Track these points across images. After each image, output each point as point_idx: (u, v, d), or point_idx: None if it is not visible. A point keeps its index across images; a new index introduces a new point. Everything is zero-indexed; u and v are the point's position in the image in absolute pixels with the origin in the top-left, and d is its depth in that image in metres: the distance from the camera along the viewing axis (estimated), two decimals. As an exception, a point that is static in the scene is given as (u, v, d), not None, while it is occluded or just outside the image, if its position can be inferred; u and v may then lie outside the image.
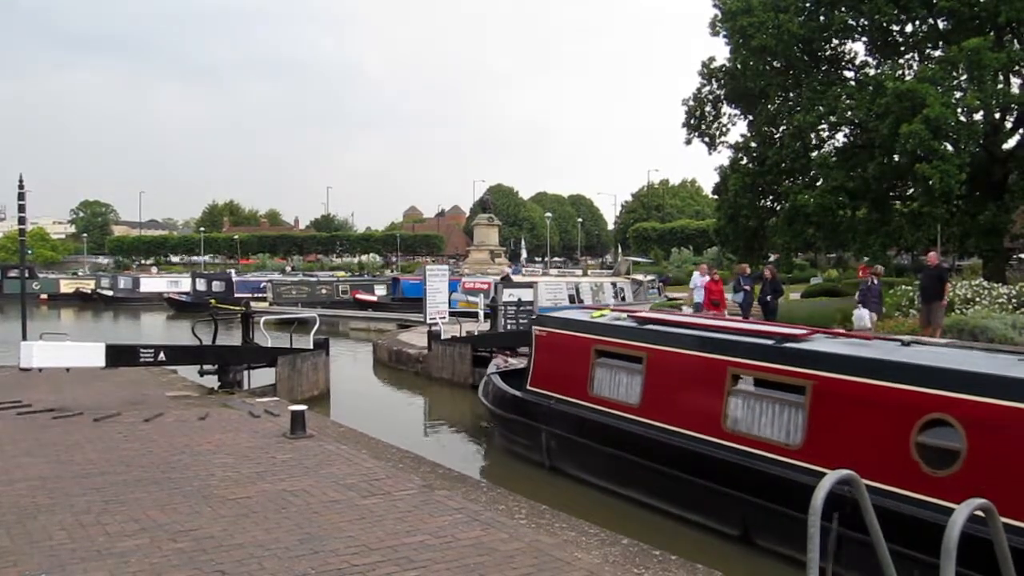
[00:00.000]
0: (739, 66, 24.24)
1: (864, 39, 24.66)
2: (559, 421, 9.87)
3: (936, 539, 5.27)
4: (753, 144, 25.51)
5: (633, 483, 8.70)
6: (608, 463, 9.03)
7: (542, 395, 10.41)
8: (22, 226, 18.58)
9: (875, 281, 17.19)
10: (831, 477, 3.37)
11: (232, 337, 17.00)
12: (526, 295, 20.46)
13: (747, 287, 18.70)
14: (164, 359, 12.80)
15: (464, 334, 18.62)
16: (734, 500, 7.35)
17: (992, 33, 20.73)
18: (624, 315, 10.37)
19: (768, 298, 18.00)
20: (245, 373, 14.03)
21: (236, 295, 39.38)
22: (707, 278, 18.22)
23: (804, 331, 8.26)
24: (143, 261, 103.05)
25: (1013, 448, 5.62)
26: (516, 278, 36.24)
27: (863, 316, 16.10)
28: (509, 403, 11.03)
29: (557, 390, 10.19)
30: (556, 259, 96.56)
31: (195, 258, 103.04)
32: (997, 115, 21.63)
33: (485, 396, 12.03)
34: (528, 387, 10.80)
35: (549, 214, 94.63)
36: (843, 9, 22.74)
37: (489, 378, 12.27)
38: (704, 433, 7.88)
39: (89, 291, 55.18)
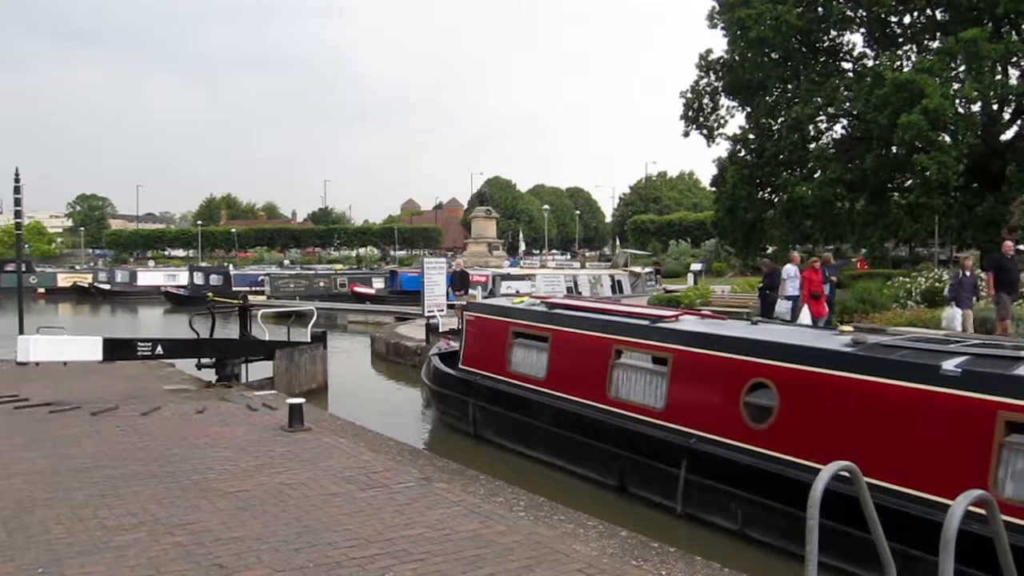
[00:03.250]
0: (737, 58, 24.23)
1: (862, 30, 24.64)
2: (482, 395, 11.08)
3: (755, 480, 6.87)
4: (751, 136, 25.51)
5: (539, 445, 9.86)
6: (520, 429, 10.23)
7: (471, 372, 11.65)
8: (18, 220, 18.53)
9: (967, 273, 14.96)
10: (829, 469, 3.37)
11: (230, 330, 16.94)
12: (524, 287, 20.45)
13: (833, 278, 17.14)
14: (161, 352, 12.76)
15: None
16: (613, 456, 8.59)
17: (990, 24, 20.71)
18: (538, 301, 11.77)
19: (767, 292, 17.65)
20: (243, 366, 13.98)
21: (234, 288, 39.34)
22: (798, 267, 16.56)
23: (675, 313, 9.88)
24: (143, 255, 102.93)
25: (813, 403, 6.82)
26: (514, 271, 36.25)
27: (954, 316, 14.25)
28: (444, 380, 12.18)
29: (483, 368, 11.44)
30: (554, 251, 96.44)
31: (185, 252, 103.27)
32: (995, 106, 21.64)
33: (426, 375, 13.12)
34: (460, 366, 12.03)
35: (547, 207, 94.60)
36: (841, 0, 22.70)
37: (430, 359, 13.31)
38: (593, 400, 9.13)
39: (86, 285, 55.09)
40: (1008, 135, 22.47)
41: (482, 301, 13.59)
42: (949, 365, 6.01)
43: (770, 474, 6.85)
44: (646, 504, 8.05)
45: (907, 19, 23.96)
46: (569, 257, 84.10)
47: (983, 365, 6.00)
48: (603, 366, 9.08)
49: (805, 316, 14.89)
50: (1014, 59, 20.82)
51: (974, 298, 15.01)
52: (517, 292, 19.90)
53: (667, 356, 8.32)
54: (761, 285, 18.42)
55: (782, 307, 16.09)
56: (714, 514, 7.38)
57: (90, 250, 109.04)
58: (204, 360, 13.68)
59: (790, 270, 16.55)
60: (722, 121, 26.98)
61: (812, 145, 23.86)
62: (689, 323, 8.97)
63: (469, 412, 11.30)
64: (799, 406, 6.92)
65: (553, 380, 9.91)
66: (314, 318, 15.98)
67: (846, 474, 3.50)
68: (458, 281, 19.15)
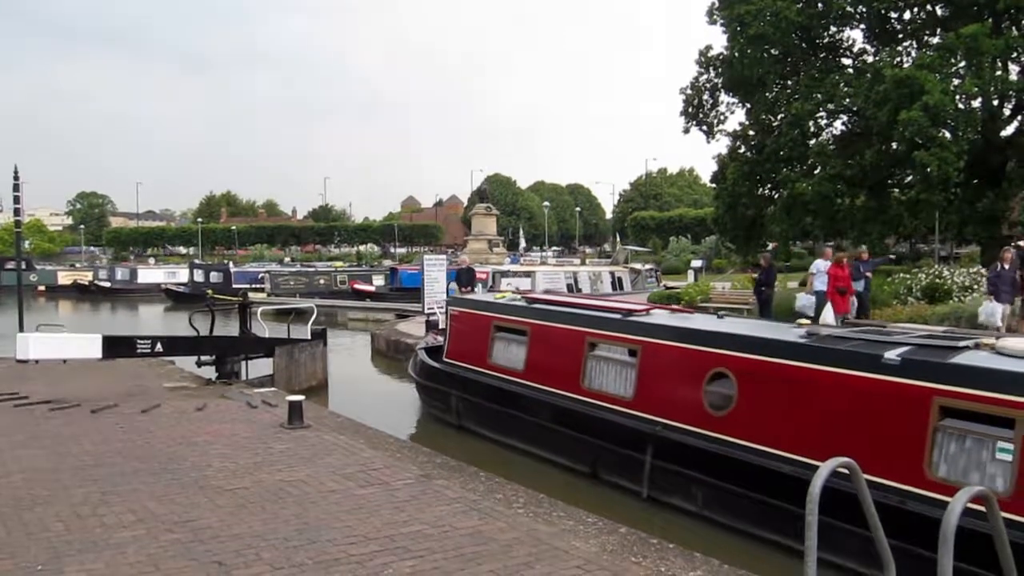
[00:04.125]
0: (737, 54, 24.14)
1: (862, 26, 24.56)
2: (465, 386, 11.47)
3: (714, 465, 7.39)
4: (751, 132, 25.46)
5: (517, 435, 10.23)
6: (500, 419, 10.60)
7: (454, 365, 12.05)
8: (18, 218, 18.53)
9: (1005, 266, 14.26)
10: (827, 466, 3.36)
11: (230, 328, 16.96)
12: (524, 284, 20.43)
13: (868, 273, 16.77)
14: (161, 350, 12.76)
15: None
16: (586, 444, 8.94)
17: (990, 20, 20.65)
18: (519, 296, 12.19)
19: (763, 288, 17.34)
20: (243, 364, 13.98)
21: (234, 286, 39.32)
22: (829, 263, 16.03)
23: (646, 306, 10.20)
24: (143, 253, 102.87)
25: (769, 391, 7.22)
26: (514, 268, 36.22)
27: (994, 311, 13.60)
28: (429, 373, 12.59)
29: (465, 360, 11.83)
30: (555, 248, 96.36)
31: (185, 249, 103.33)
32: (995, 102, 21.57)
33: (412, 369, 13.52)
34: (444, 359, 12.43)
35: (547, 203, 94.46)
36: (841, -4, 22.66)
37: (416, 353, 13.71)
38: (568, 391, 9.51)
39: (87, 283, 55.04)
40: (1008, 131, 22.41)
41: (465, 296, 14.12)
42: (891, 354, 6.35)
43: (728, 459, 7.29)
44: (615, 489, 8.46)
45: (907, 15, 23.91)
46: (554, 253, 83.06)
47: (922, 354, 6.33)
48: (578, 358, 9.47)
49: (828, 313, 14.62)
50: (1014, 55, 20.73)
51: (1013, 292, 14.35)
52: (516, 289, 19.88)
53: (636, 348, 8.74)
54: (757, 280, 18.14)
55: (804, 302, 15.74)
56: (677, 497, 7.82)
57: (86, 248, 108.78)
58: (204, 357, 13.68)
59: (820, 265, 16.20)
60: (722, 117, 26.90)
61: (812, 141, 23.79)
62: (658, 317, 9.43)
63: (452, 404, 11.70)
64: (756, 394, 7.31)
65: (531, 372, 10.31)
66: (314, 315, 15.98)
67: (844, 471, 3.49)
68: (464, 278, 19.09)
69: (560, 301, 11.30)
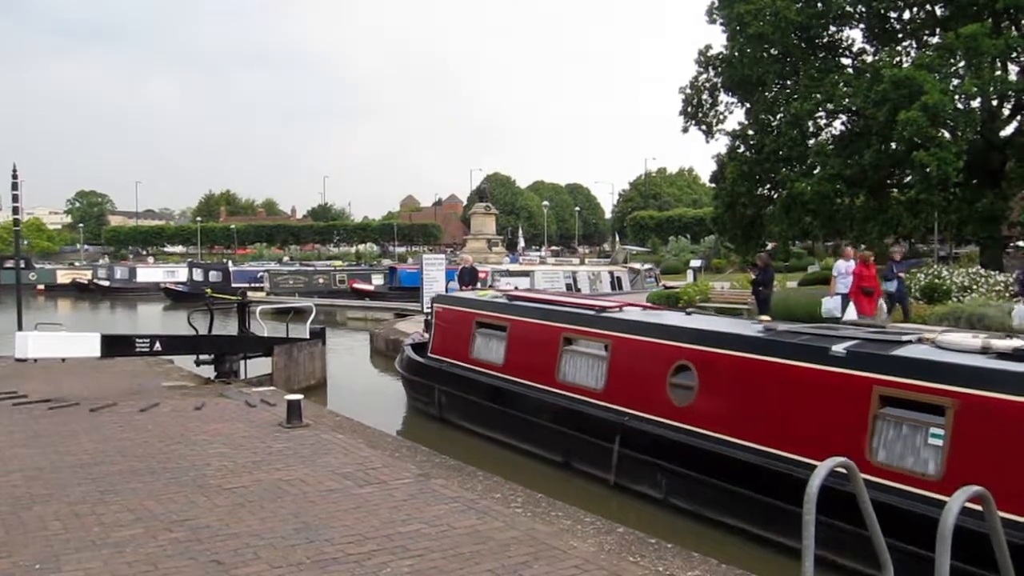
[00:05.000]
0: (736, 54, 24.16)
1: (862, 26, 24.58)
2: (447, 380, 11.88)
3: (677, 453, 7.74)
4: (750, 132, 25.44)
5: (496, 426, 10.62)
6: (479, 412, 11.02)
7: (438, 360, 12.45)
8: (17, 216, 18.50)
9: None
10: (825, 465, 3.35)
11: (228, 327, 16.97)
12: (523, 284, 20.41)
13: (901, 273, 16.09)
14: (160, 349, 12.76)
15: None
16: (560, 435, 9.32)
17: (990, 20, 20.67)
18: (501, 294, 12.65)
19: (760, 288, 16.95)
20: (241, 363, 13.97)
21: (233, 285, 39.30)
22: (852, 263, 15.41)
23: (619, 304, 10.57)
24: (141, 251, 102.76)
25: (727, 382, 7.60)
26: (513, 267, 36.20)
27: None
28: (414, 368, 13.01)
29: (449, 355, 12.21)
30: (553, 248, 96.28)
31: (184, 248, 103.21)
32: (994, 102, 21.59)
33: (399, 364, 13.94)
34: (429, 354, 12.82)
35: (546, 203, 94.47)
36: (841, -4, 22.67)
37: (403, 348, 14.11)
38: (544, 384, 9.86)
39: (86, 281, 55.01)
40: (1008, 131, 22.41)
41: (449, 294, 14.56)
42: (838, 347, 6.72)
43: (689, 447, 7.64)
44: (585, 477, 8.85)
45: (907, 15, 23.92)
46: (551, 253, 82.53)
47: (867, 347, 6.70)
48: (553, 352, 9.87)
49: (851, 314, 14.27)
50: (1014, 55, 20.74)
51: None
52: (515, 288, 19.87)
53: (607, 342, 9.12)
54: (754, 280, 17.86)
55: (830, 305, 15.17)
56: (642, 484, 8.16)
57: (85, 247, 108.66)
58: (203, 356, 13.68)
59: (841, 266, 15.75)
60: (721, 117, 26.89)
61: (811, 141, 23.78)
62: (629, 313, 9.77)
63: (435, 397, 12.13)
64: (715, 385, 7.71)
65: (510, 366, 10.69)
66: (313, 314, 15.97)
67: (843, 471, 3.51)
68: (467, 276, 19.06)
69: (538, 298, 11.73)
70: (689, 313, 10.06)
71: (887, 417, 6.18)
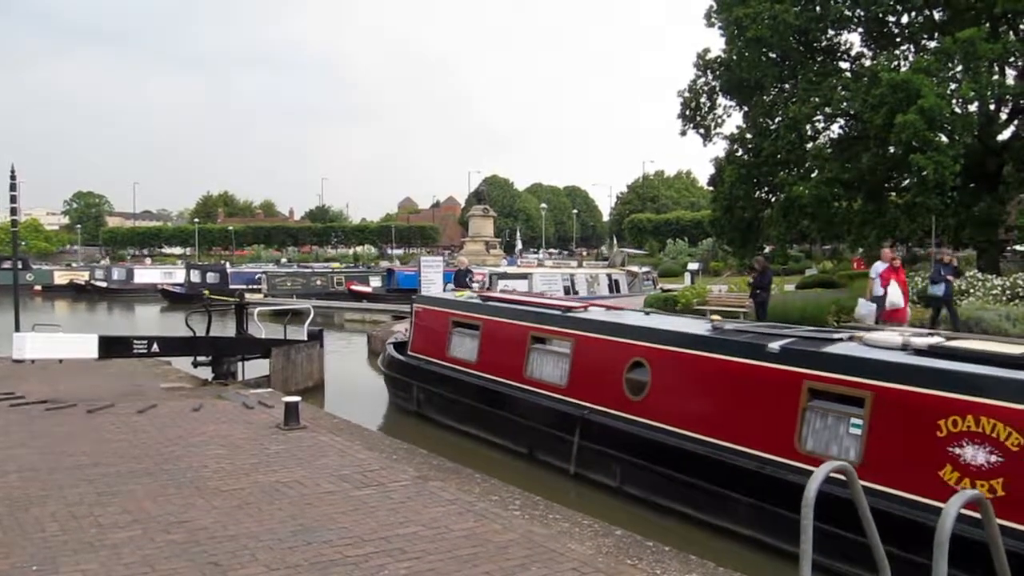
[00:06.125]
0: (735, 57, 24.15)
1: (860, 30, 24.60)
2: (424, 377, 12.41)
3: (630, 444, 8.26)
4: (748, 135, 25.43)
5: (469, 421, 11.17)
6: (454, 407, 11.55)
7: (417, 358, 13.01)
8: (14, 217, 18.47)
9: None
10: (824, 468, 3.36)
11: (226, 328, 16.93)
12: (521, 286, 20.41)
13: (949, 277, 15.58)
14: (158, 350, 12.74)
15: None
16: (525, 427, 9.89)
17: (987, 24, 20.71)
18: (476, 295, 13.21)
19: (757, 292, 16.78)
20: (239, 364, 13.96)
21: (231, 286, 39.25)
22: (887, 264, 14.71)
23: (584, 304, 11.21)
24: (139, 253, 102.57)
25: (676, 377, 8.16)
26: (511, 269, 36.19)
27: None
28: (394, 365, 13.54)
29: (427, 353, 12.76)
30: (551, 250, 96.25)
31: (182, 249, 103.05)
32: (992, 106, 21.62)
33: (381, 362, 14.48)
34: (409, 352, 13.39)
35: (544, 205, 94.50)
36: (839, 0, 22.68)
37: (385, 347, 14.66)
38: (513, 380, 10.44)
39: (83, 283, 54.89)
40: (1005, 135, 22.45)
41: (428, 294, 15.19)
42: (774, 344, 7.24)
43: (641, 438, 8.13)
44: (546, 467, 9.39)
45: (905, 19, 23.93)
46: (549, 255, 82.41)
47: (800, 344, 7.22)
48: (522, 350, 10.41)
49: (866, 310, 14.10)
50: (1011, 59, 20.78)
51: None
52: (514, 291, 19.87)
53: (571, 340, 9.66)
54: (752, 283, 17.71)
55: (864, 310, 14.47)
56: (599, 473, 8.66)
57: (73, 247, 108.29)
58: (200, 358, 13.66)
59: (879, 267, 14.87)
60: (719, 120, 26.86)
61: (809, 144, 23.79)
62: (593, 313, 10.27)
63: (413, 393, 12.64)
64: (666, 380, 8.26)
65: (482, 363, 11.26)
66: (311, 316, 15.97)
67: (841, 476, 3.52)
68: (462, 279, 19.00)
69: (510, 299, 12.38)
70: (648, 313, 10.79)
71: (815, 409, 6.71)
